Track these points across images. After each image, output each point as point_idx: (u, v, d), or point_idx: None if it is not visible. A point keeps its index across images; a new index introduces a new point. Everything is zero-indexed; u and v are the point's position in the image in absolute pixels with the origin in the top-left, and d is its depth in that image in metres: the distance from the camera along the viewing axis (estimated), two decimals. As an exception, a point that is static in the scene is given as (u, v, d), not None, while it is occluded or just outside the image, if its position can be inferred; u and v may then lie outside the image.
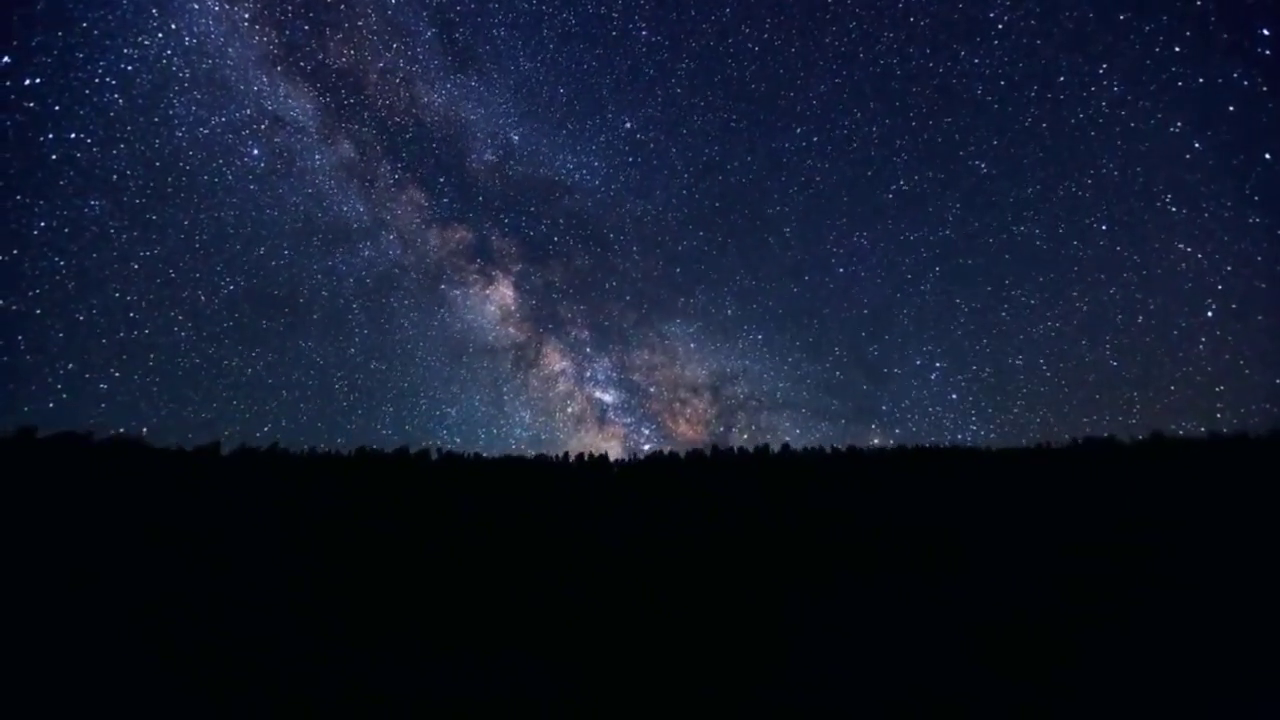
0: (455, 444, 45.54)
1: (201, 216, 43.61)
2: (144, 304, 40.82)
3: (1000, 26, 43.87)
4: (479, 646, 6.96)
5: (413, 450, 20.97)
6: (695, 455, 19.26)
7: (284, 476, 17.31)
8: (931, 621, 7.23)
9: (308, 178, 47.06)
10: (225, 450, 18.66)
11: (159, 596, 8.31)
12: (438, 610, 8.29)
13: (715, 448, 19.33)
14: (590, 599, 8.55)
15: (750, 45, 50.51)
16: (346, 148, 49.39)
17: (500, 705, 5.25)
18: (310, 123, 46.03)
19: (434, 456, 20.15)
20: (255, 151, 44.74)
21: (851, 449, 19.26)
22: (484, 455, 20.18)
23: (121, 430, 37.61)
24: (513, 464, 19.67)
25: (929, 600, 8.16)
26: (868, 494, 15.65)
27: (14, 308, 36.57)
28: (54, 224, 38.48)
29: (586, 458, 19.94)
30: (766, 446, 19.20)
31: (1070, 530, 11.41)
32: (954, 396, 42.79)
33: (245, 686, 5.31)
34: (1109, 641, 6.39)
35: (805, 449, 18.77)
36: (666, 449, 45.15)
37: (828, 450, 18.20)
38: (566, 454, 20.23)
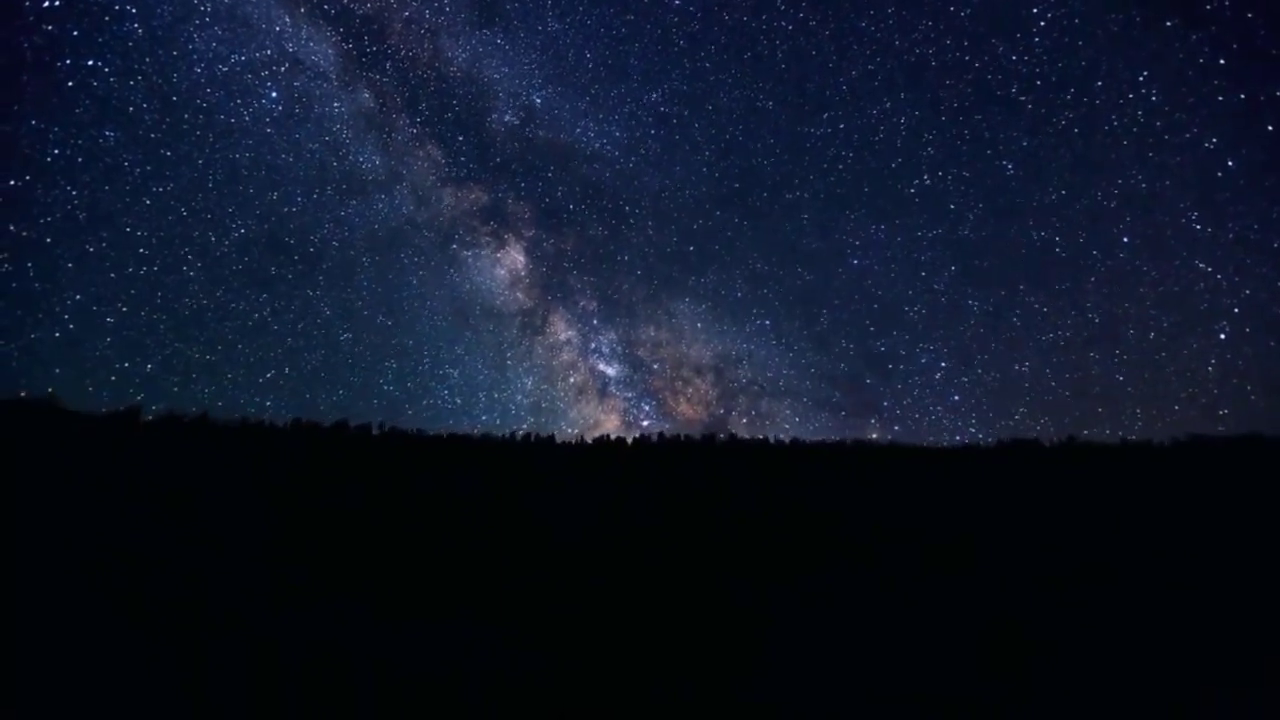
0: (457, 404, 44.37)
1: (216, 156, 41.76)
2: (154, 240, 39.25)
3: (1043, 24, 41.38)
4: (412, 618, 6.85)
5: (354, 424, 20.37)
6: (643, 440, 19.36)
7: (210, 445, 16.54)
8: (899, 619, 7.39)
9: (325, 125, 45.17)
10: (147, 416, 17.68)
11: (68, 567, 7.89)
12: (367, 585, 8.10)
13: (662, 434, 19.46)
14: (531, 576, 8.48)
15: (784, 24, 47.68)
16: (366, 97, 47.04)
17: (447, 674, 5.18)
18: (331, 68, 43.99)
19: (376, 431, 19.61)
20: (274, 94, 42.69)
21: (795, 441, 19.71)
22: (428, 431, 19.77)
23: (126, 366, 36.44)
24: (457, 441, 19.33)
25: (881, 597, 8.34)
26: (811, 488, 16.07)
27: (24, 234, 34.95)
28: (68, 152, 36.87)
29: (534, 438, 19.77)
30: (714, 436, 19.45)
31: (1052, 530, 11.93)
32: (956, 397, 41.77)
33: (166, 662, 5.07)
34: (1095, 642, 6.57)
35: (751, 439, 19.12)
36: (666, 428, 44.69)
37: (772, 441, 18.62)
38: (514, 433, 20.01)
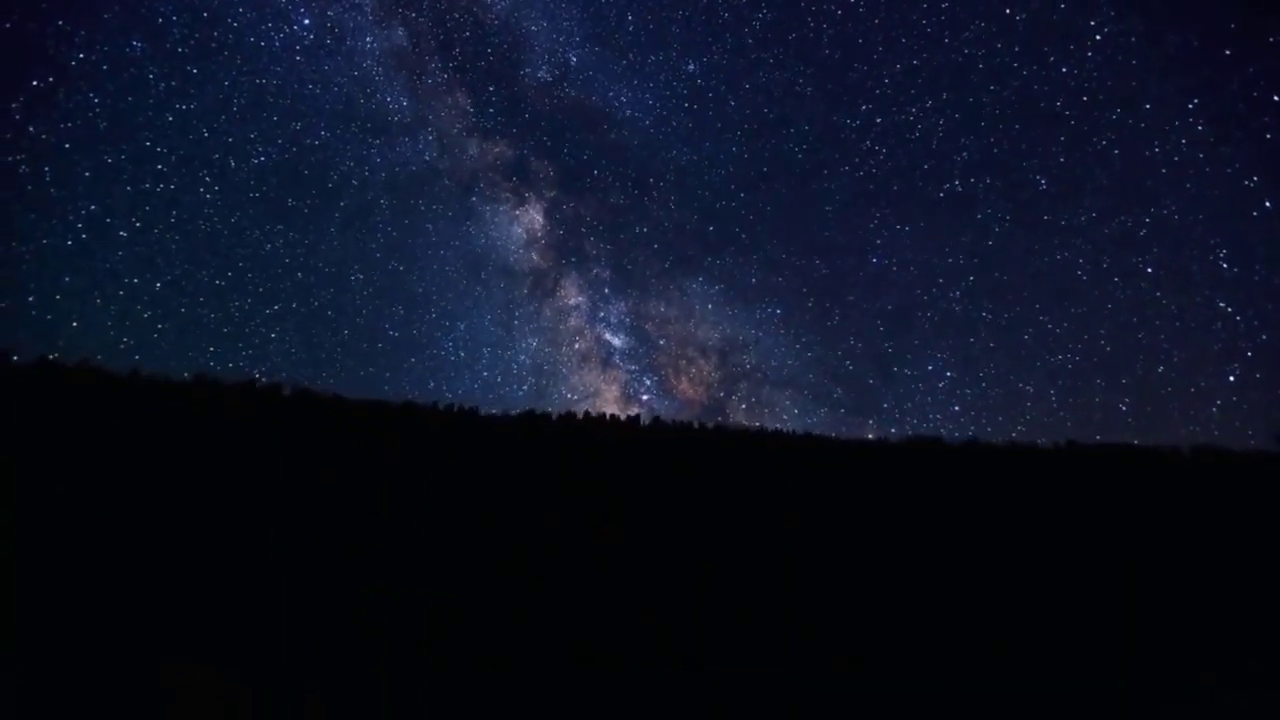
0: (460, 357, 42.61)
1: (242, 80, 39.32)
2: (174, 159, 37.08)
3: (1098, 38, 38.16)
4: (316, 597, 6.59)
5: (263, 382, 19.26)
6: (567, 417, 19.25)
7: (92, 399, 15.26)
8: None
9: (355, 59, 42.59)
10: (17, 359, 16.08)
11: None
12: (252, 561, 7.71)
13: (587, 413, 19.44)
14: (436, 559, 8.28)
15: (833, 7, 44.46)
16: (400, 35, 44.24)
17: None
18: (366, 1, 40.28)
19: (287, 391, 18.64)
20: (306, 21, 39.95)
21: (720, 427, 20.10)
22: (345, 396, 18.96)
23: (135, 282, 34.66)
24: (376, 408, 18.63)
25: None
26: (721, 476, 16.52)
27: (43, 137, 32.46)
28: (93, 58, 34.28)
29: (456, 409, 19.29)
30: (637, 417, 19.58)
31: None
32: (957, 408, 40.81)
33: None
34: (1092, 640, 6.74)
35: (675, 424, 19.41)
36: (666, 405, 43.43)
37: (695, 426, 18.95)
38: (436, 403, 19.49)
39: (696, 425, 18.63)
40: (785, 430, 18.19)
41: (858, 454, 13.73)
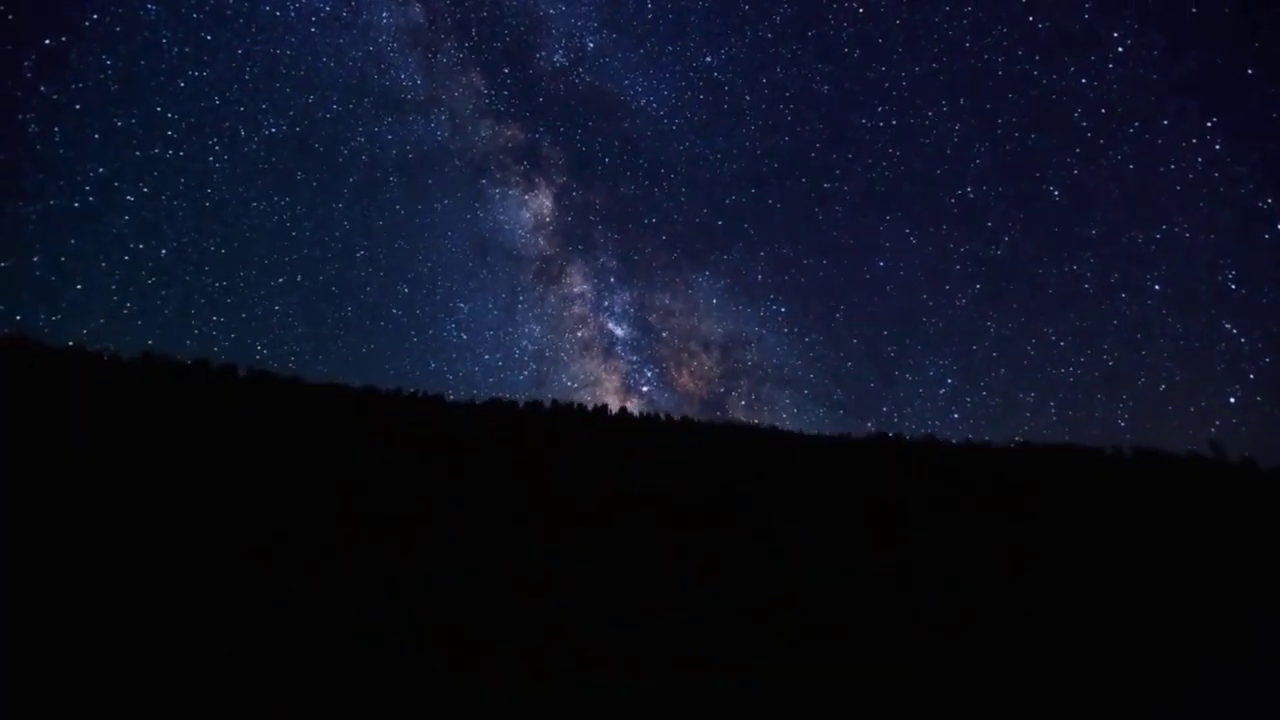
0: (461, 339, 41.42)
1: (256, 49, 37.75)
2: (184, 125, 35.64)
3: (1120, 50, 37.17)
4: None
5: (217, 364, 18.55)
6: (533, 405, 19.07)
7: (34, 376, 14.47)
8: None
9: (371, 34, 41.00)
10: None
11: None
12: (196, 548, 7.46)
13: (555, 401, 19.32)
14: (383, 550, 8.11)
15: (855, 5, 42.75)
16: (416, 12, 42.58)
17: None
18: None
19: (242, 373, 18.00)
20: None
21: (672, 422, 20.18)
22: (304, 379, 18.39)
23: (140, 247, 33.38)
24: (334, 391, 18.13)
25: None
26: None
27: (54, 97, 31.07)
28: (107, 19, 32.85)
29: (420, 394, 18.92)
30: (604, 407, 19.53)
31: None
32: (956, 415, 40.08)
33: None
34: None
35: (643, 414, 19.42)
36: (665, 398, 42.01)
37: (661, 418, 19.00)
38: (399, 388, 19.09)
39: (663, 417, 18.67)
40: (769, 427, 18.40)
41: (823, 449, 14.00)
